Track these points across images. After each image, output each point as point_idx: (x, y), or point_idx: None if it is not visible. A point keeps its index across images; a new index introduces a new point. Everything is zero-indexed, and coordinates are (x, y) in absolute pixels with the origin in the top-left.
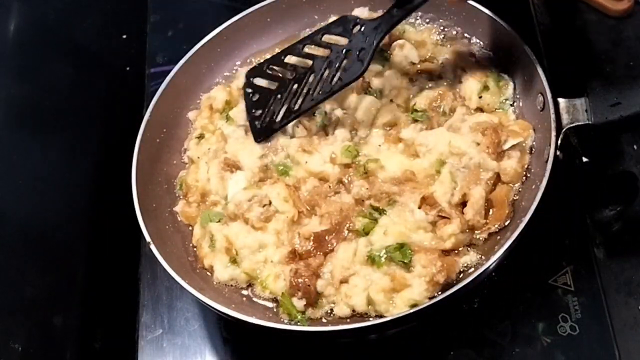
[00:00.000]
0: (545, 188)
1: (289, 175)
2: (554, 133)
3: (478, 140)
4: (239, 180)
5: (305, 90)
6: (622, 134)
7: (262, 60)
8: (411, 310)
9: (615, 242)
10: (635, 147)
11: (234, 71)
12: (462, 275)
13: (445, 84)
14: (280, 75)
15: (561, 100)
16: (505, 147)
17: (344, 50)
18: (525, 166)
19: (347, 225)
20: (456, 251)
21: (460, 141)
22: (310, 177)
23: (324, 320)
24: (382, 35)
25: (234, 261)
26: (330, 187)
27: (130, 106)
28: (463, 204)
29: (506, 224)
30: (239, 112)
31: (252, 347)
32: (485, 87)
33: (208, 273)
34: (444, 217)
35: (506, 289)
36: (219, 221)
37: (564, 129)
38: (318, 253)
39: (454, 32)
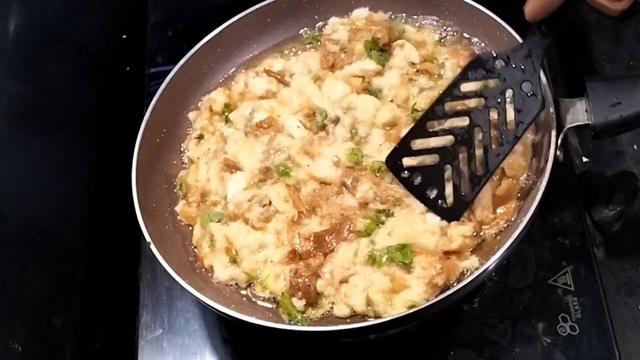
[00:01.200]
0: (545, 188)
1: (290, 176)
2: (554, 133)
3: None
4: (239, 180)
5: (480, 149)
6: (622, 134)
7: (400, 140)
8: (411, 311)
9: (615, 242)
10: (635, 147)
11: (234, 72)
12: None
13: (445, 83)
14: (435, 144)
15: (561, 100)
16: None
17: (502, 90)
18: (529, 159)
19: (348, 225)
20: (458, 255)
21: None
22: (312, 180)
23: (324, 320)
24: (541, 60)
25: (234, 261)
26: (332, 190)
27: (130, 106)
28: None
29: (514, 218)
30: (239, 115)
31: (252, 347)
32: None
33: (208, 273)
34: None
35: (506, 289)
36: (219, 221)
37: (564, 129)
38: (318, 253)
39: (454, 32)
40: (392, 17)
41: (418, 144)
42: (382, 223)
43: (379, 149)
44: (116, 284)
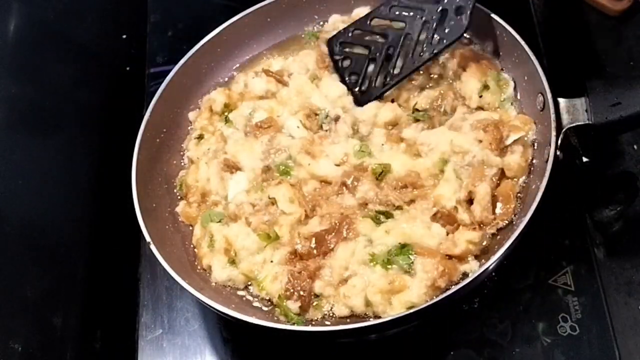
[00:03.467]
0: (545, 188)
1: (290, 175)
2: (554, 133)
3: (480, 138)
4: (239, 180)
5: (403, 54)
6: (622, 134)
7: (344, 28)
8: (411, 311)
9: (615, 242)
10: (635, 147)
11: (234, 72)
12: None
13: (445, 83)
14: (370, 39)
15: (561, 100)
16: (508, 142)
17: (439, 9)
18: (529, 160)
19: (347, 225)
20: (459, 258)
21: (462, 139)
22: (312, 179)
23: (323, 320)
24: None
25: (232, 262)
26: (332, 189)
27: (130, 106)
28: (469, 201)
29: (514, 218)
30: (238, 115)
31: (252, 347)
32: (486, 87)
33: (207, 273)
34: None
35: (506, 289)
36: (219, 221)
37: (564, 129)
38: (318, 253)
39: None
40: None
41: (356, 34)
42: (382, 223)
43: (380, 149)
44: (116, 284)
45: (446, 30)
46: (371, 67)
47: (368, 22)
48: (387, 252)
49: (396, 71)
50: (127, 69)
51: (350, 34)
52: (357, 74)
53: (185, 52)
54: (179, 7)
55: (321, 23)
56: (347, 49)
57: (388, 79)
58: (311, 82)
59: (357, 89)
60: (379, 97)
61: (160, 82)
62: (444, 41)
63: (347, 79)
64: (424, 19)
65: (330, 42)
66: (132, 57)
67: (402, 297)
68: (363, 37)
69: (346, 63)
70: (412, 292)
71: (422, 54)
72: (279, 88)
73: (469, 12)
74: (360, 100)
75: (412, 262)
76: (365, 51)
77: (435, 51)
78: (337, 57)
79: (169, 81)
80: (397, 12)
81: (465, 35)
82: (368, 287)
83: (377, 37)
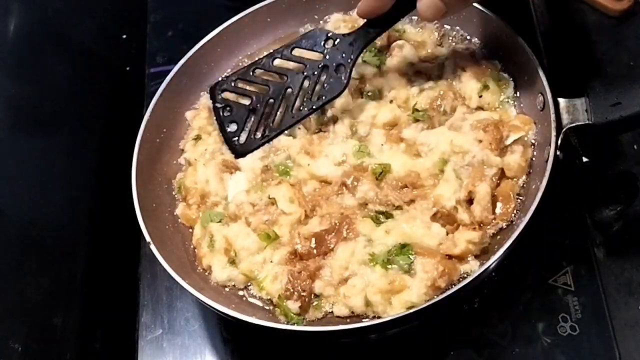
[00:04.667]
0: (545, 188)
1: (290, 175)
2: (554, 133)
3: (480, 138)
4: (239, 180)
5: (283, 107)
6: (622, 134)
7: (227, 75)
8: (411, 311)
9: (615, 242)
10: (635, 147)
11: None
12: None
13: (445, 83)
14: (253, 89)
15: (561, 100)
16: (508, 142)
17: (320, 65)
18: (529, 160)
19: (347, 225)
20: (459, 258)
21: (462, 139)
22: (312, 179)
23: (324, 320)
24: (360, 52)
25: (232, 262)
26: (332, 189)
27: (130, 106)
28: (469, 201)
29: (513, 217)
30: None
31: (252, 347)
32: (486, 87)
33: (206, 273)
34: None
35: (506, 289)
36: (219, 221)
37: (564, 129)
38: (318, 253)
39: (454, 32)
40: None
41: (239, 83)
42: (382, 223)
43: (380, 149)
44: (116, 284)
45: (326, 87)
46: (251, 118)
47: (251, 72)
48: (387, 252)
49: (275, 124)
50: (127, 69)
51: (232, 83)
52: (237, 123)
53: (185, 52)
54: (179, 7)
55: (322, 22)
56: (229, 98)
57: (267, 132)
58: None
59: (236, 139)
60: (256, 149)
61: (160, 82)
62: (323, 98)
63: (227, 127)
64: (305, 73)
65: (212, 90)
66: (132, 57)
67: (402, 297)
68: (245, 86)
69: (227, 112)
70: (412, 292)
71: (301, 108)
72: None
73: (348, 71)
74: (239, 151)
75: (412, 262)
76: (246, 101)
77: (313, 107)
78: (219, 105)
79: (169, 81)
80: (279, 65)
81: (465, 35)
82: (368, 287)
83: (259, 87)
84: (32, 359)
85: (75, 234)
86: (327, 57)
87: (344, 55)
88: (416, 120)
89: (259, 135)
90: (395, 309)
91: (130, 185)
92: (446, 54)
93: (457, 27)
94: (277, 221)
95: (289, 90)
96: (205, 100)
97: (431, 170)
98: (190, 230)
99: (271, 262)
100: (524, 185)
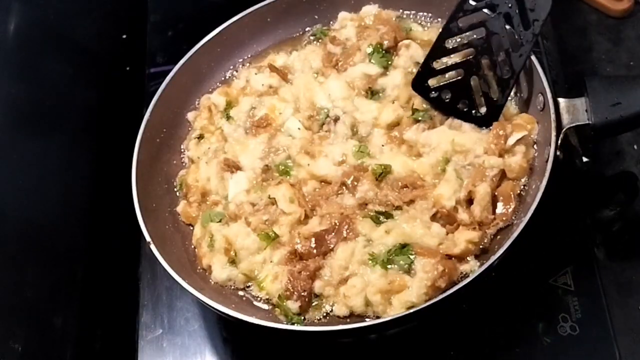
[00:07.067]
0: (545, 188)
1: (290, 175)
2: (554, 133)
3: (482, 137)
4: (239, 180)
5: (502, 53)
6: (622, 134)
7: (422, 64)
8: (410, 311)
9: (615, 242)
10: (635, 147)
11: (234, 71)
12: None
13: None
14: (457, 59)
15: (561, 100)
16: (511, 141)
17: None
18: (531, 160)
19: (347, 225)
20: (459, 258)
21: (464, 138)
22: (312, 179)
23: (323, 320)
24: None
25: (232, 262)
26: (332, 189)
27: (130, 106)
28: (469, 201)
29: (513, 218)
30: (239, 111)
31: (252, 347)
32: None
33: (207, 273)
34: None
35: (506, 289)
36: (219, 221)
37: (564, 129)
38: (318, 253)
39: None
40: (401, 15)
41: (439, 64)
42: (382, 223)
43: (380, 150)
44: (116, 284)
45: (535, 8)
46: (477, 83)
47: (442, 46)
48: (387, 252)
49: (505, 73)
50: (127, 69)
51: (428, 68)
52: (465, 99)
53: (185, 52)
54: (179, 7)
55: (323, 22)
56: (436, 83)
57: (503, 85)
58: (316, 77)
59: (476, 113)
60: (504, 104)
61: (160, 82)
62: (538, 21)
63: (457, 109)
64: (502, 12)
65: (416, 86)
66: (132, 57)
67: (402, 297)
68: (447, 62)
69: (447, 96)
70: (412, 292)
71: (522, 42)
72: (282, 84)
73: None
74: (484, 121)
75: (412, 262)
76: (460, 73)
77: (535, 32)
78: (434, 95)
79: (169, 81)
80: (468, 23)
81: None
82: (368, 287)
83: (462, 54)
84: (32, 359)
85: (75, 233)
86: None
87: None
88: (417, 121)
89: (496, 93)
90: (395, 309)
91: (130, 185)
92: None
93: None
94: (277, 221)
95: (495, 36)
96: (205, 100)
97: (433, 169)
98: (191, 229)
99: (271, 262)
100: (525, 186)
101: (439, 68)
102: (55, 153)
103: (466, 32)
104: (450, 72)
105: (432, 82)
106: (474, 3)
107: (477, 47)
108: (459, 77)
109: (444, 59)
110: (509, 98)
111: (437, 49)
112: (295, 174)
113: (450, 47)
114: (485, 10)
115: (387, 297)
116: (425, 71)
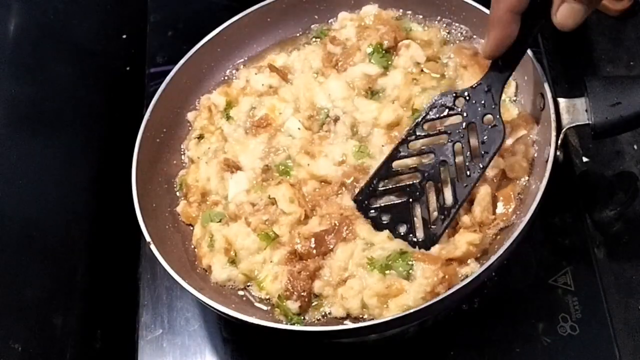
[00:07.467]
0: (545, 188)
1: (290, 175)
2: (554, 133)
3: None
4: (240, 180)
5: (447, 182)
6: (622, 134)
7: (367, 181)
8: (410, 311)
9: (615, 242)
10: (635, 147)
11: (234, 71)
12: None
13: (447, 82)
14: (403, 182)
15: (561, 100)
16: (510, 141)
17: (464, 126)
18: (531, 160)
19: (347, 226)
20: (459, 261)
21: None
22: (312, 179)
23: (323, 320)
24: (500, 94)
25: (232, 262)
26: (332, 189)
27: (130, 106)
28: (469, 202)
29: (514, 218)
30: (239, 111)
31: (252, 347)
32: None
33: (207, 273)
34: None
35: (506, 289)
36: (219, 221)
37: (563, 129)
38: (317, 254)
39: (456, 32)
40: (401, 14)
41: (383, 184)
42: None
43: (380, 150)
44: (116, 284)
45: (485, 141)
46: (418, 210)
47: (388, 167)
48: (386, 257)
49: (448, 202)
50: (127, 69)
51: (373, 187)
52: (404, 222)
53: (185, 52)
54: (179, 7)
55: (324, 22)
56: (379, 203)
57: (445, 213)
58: (316, 77)
59: (413, 238)
60: (443, 234)
61: (160, 82)
62: (488, 152)
63: (397, 231)
64: (452, 140)
65: (358, 203)
66: (132, 57)
67: (399, 301)
68: (390, 184)
69: (385, 217)
70: (409, 296)
71: (469, 173)
72: (282, 84)
73: (498, 116)
74: (426, 245)
75: (411, 268)
76: (402, 196)
77: (482, 166)
78: (373, 214)
79: (169, 81)
80: (418, 147)
81: (467, 34)
82: (365, 289)
83: (408, 177)
84: (32, 359)
85: (75, 233)
86: (467, 114)
87: (484, 104)
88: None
89: (436, 222)
90: (392, 313)
91: (130, 185)
92: (449, 53)
93: (462, 26)
94: (277, 221)
95: (444, 163)
96: (205, 100)
97: None
98: (191, 229)
99: (271, 262)
100: (524, 186)
101: (382, 189)
102: (55, 153)
103: (415, 156)
104: (392, 196)
105: (372, 201)
106: (427, 129)
107: (423, 173)
108: (401, 201)
109: (385, 180)
110: (512, 99)
111: (384, 169)
112: (295, 174)
113: (397, 170)
114: (438, 137)
115: (384, 301)
116: (367, 189)
